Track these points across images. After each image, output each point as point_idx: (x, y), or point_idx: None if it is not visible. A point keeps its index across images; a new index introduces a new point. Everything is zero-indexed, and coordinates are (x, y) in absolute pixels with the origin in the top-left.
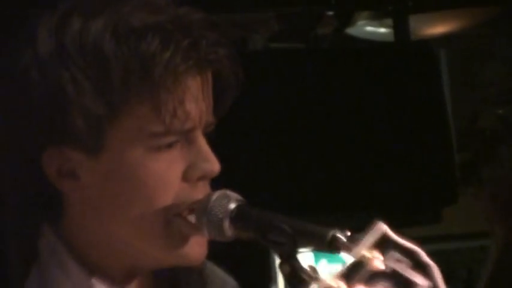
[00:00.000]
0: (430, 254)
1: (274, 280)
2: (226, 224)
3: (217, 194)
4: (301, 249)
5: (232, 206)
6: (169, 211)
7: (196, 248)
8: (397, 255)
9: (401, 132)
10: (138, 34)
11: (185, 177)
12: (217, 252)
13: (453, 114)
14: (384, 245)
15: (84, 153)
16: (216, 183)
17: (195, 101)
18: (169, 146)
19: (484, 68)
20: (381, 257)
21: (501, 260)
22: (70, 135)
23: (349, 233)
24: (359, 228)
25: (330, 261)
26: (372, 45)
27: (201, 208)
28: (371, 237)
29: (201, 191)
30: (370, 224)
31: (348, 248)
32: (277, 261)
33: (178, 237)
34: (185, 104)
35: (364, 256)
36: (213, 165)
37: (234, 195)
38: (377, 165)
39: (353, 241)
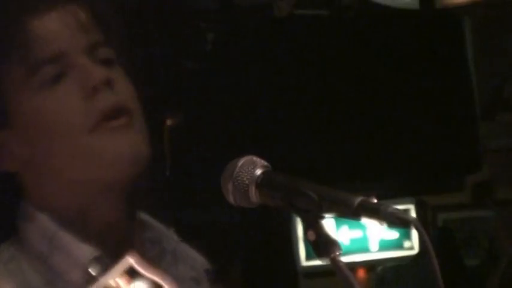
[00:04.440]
0: (454, 222)
1: (294, 244)
2: (252, 190)
3: (243, 160)
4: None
5: (259, 172)
6: (83, 131)
7: (126, 143)
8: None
9: (426, 101)
10: None
11: (84, 97)
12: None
13: (477, 83)
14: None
15: (2, 128)
16: (241, 142)
17: (59, 27)
18: (57, 78)
19: (508, 37)
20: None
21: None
22: None
23: (375, 200)
24: (385, 196)
25: (351, 227)
26: (397, 12)
27: (227, 174)
28: (119, 268)
29: (102, 99)
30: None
31: (374, 215)
32: (299, 227)
33: (104, 146)
34: (43, 32)
35: (109, 286)
36: (95, 73)
37: (260, 161)
38: (401, 134)
39: (379, 208)
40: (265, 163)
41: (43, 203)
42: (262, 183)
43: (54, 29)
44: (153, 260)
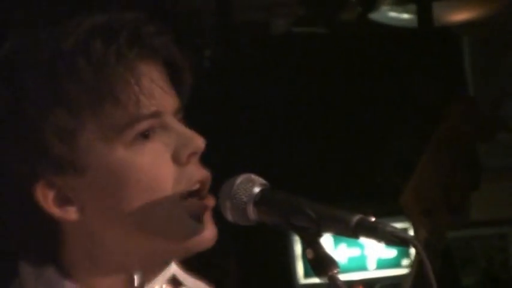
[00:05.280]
0: (452, 240)
1: (292, 261)
2: (250, 208)
3: (241, 178)
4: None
5: (257, 189)
6: (172, 198)
7: (210, 227)
8: None
9: (422, 119)
10: (81, 40)
11: (175, 160)
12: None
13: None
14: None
15: (70, 175)
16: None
17: (153, 85)
18: (146, 136)
19: (506, 56)
20: None
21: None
22: (51, 160)
23: (373, 219)
24: (382, 214)
25: (349, 245)
26: (395, 30)
27: (225, 192)
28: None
29: (195, 168)
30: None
31: (371, 234)
32: (297, 244)
33: (189, 220)
34: (143, 88)
35: None
36: (197, 140)
37: (259, 179)
38: (398, 152)
39: (377, 226)
40: (263, 181)
41: (81, 262)
42: (260, 201)
43: (149, 92)
44: None
